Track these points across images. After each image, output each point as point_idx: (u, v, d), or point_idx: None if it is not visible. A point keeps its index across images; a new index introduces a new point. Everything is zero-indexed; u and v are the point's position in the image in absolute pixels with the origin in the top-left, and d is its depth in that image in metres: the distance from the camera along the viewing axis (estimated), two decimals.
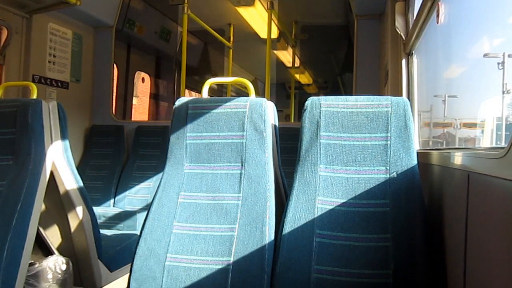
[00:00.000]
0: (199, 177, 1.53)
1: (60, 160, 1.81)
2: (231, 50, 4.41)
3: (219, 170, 1.52)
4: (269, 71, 3.41)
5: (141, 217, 2.71)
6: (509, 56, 1.54)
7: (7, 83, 2.45)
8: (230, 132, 1.53)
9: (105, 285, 1.99)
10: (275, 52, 5.11)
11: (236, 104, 1.55)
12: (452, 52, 1.97)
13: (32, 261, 1.63)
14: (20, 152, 1.64)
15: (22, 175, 1.58)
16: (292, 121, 5.59)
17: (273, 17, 3.64)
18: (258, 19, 4.07)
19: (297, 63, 5.73)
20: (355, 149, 1.39)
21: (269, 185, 1.46)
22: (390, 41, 2.27)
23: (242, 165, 1.50)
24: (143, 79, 8.64)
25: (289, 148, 2.39)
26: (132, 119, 4.72)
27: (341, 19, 4.19)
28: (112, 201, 3.01)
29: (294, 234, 1.33)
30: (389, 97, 1.41)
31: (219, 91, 6.33)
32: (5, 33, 2.66)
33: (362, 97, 1.43)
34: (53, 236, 1.90)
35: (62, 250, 1.86)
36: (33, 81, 2.72)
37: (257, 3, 3.74)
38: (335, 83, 7.05)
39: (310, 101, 1.46)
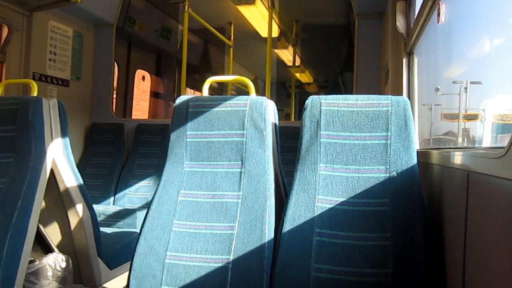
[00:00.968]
0: (199, 175, 1.53)
1: (60, 158, 1.81)
2: (231, 49, 4.41)
3: (219, 168, 1.52)
4: (269, 70, 3.40)
5: (141, 215, 2.71)
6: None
7: (8, 80, 2.45)
8: (230, 131, 1.53)
9: (104, 282, 2.00)
10: (276, 51, 5.11)
11: (237, 102, 1.55)
12: (452, 52, 1.96)
13: (32, 259, 1.63)
14: (21, 149, 1.64)
15: (22, 172, 1.58)
16: (292, 120, 5.58)
17: (274, 15, 3.63)
18: (259, 18, 4.07)
19: (298, 62, 5.72)
20: (355, 148, 1.39)
21: (269, 184, 1.46)
22: (391, 40, 2.27)
23: (242, 163, 1.50)
24: (143, 77, 8.63)
25: (289, 147, 2.39)
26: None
27: (342, 18, 4.19)
28: (112, 199, 3.02)
29: (293, 233, 1.33)
30: (389, 96, 1.41)
31: (220, 90, 6.32)
32: (5, 30, 2.66)
33: (362, 96, 1.43)
34: (53, 234, 1.90)
35: (62, 248, 1.86)
36: (34, 79, 2.72)
37: (258, 2, 3.74)
38: (336, 82, 7.03)
39: (310, 100, 1.46)
